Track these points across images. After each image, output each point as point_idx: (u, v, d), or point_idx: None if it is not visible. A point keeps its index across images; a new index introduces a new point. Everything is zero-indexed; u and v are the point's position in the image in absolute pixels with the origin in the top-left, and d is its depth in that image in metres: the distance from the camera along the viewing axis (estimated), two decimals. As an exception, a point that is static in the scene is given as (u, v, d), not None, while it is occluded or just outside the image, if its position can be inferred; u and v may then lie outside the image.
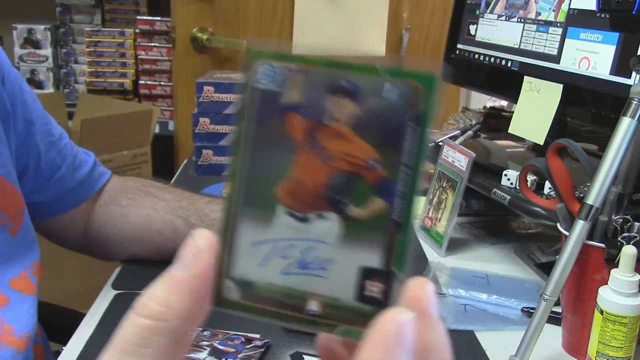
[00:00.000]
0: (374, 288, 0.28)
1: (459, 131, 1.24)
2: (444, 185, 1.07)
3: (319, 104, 0.28)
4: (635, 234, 0.69)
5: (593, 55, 0.89)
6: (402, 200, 0.27)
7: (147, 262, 0.93)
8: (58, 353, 0.76)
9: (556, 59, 0.96)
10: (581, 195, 0.74)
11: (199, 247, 0.28)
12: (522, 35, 1.04)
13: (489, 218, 1.20)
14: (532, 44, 1.02)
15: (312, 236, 0.28)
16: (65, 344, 0.76)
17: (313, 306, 0.28)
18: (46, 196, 0.89)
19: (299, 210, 0.28)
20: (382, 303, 0.28)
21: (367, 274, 0.28)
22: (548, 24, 0.99)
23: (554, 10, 0.98)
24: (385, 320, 0.26)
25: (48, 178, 0.88)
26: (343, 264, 0.28)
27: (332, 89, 0.28)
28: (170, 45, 2.59)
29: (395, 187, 0.27)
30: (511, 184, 0.97)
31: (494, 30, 1.12)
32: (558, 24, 0.96)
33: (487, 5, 1.15)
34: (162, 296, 0.27)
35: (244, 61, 0.28)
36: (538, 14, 1.01)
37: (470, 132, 1.23)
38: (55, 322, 1.01)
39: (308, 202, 0.28)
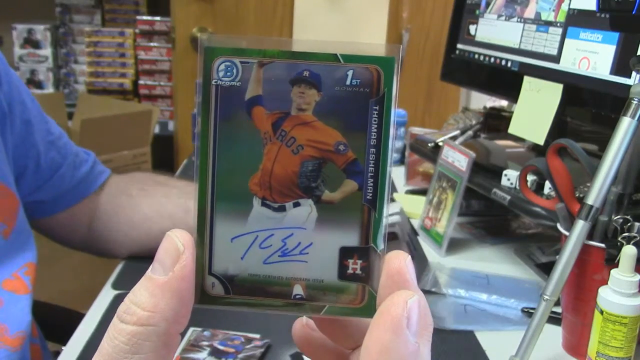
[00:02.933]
0: (355, 265, 0.29)
1: (459, 131, 1.24)
2: (444, 186, 1.07)
3: (283, 95, 0.29)
4: (635, 234, 0.69)
5: (593, 55, 0.89)
6: (372, 179, 0.29)
7: (147, 264, 0.93)
8: (58, 353, 0.76)
9: (556, 59, 0.96)
10: (581, 195, 0.74)
11: (177, 247, 0.28)
12: (522, 35, 1.04)
13: (489, 218, 1.20)
14: (532, 44, 1.02)
15: (290, 224, 0.29)
16: (65, 344, 0.76)
17: (298, 290, 0.29)
18: (47, 195, 0.89)
19: (274, 201, 0.29)
20: (365, 278, 0.29)
21: (347, 252, 0.29)
22: (548, 24, 0.99)
23: (553, 10, 0.98)
24: (393, 303, 0.27)
25: (48, 177, 0.88)
26: (323, 247, 0.29)
27: (294, 80, 0.29)
28: (170, 46, 2.59)
29: (365, 168, 0.29)
30: (511, 184, 0.97)
31: (494, 30, 1.12)
32: (558, 24, 0.96)
33: (487, 5, 1.15)
34: (147, 300, 0.27)
35: (203, 59, 0.28)
36: (538, 14, 1.01)
37: (470, 132, 1.23)
38: (55, 323, 1.01)
39: (282, 192, 0.29)
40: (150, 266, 0.28)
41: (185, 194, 0.94)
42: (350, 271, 0.29)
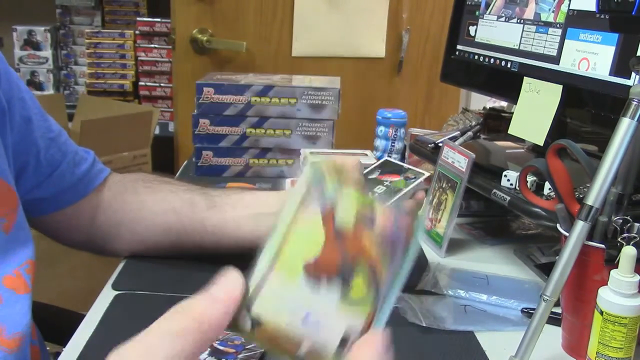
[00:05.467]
0: (354, 341, 0.37)
1: (458, 132, 1.24)
2: (443, 186, 1.07)
3: (354, 215, 0.38)
4: (635, 235, 0.69)
5: (592, 56, 0.89)
6: (382, 298, 0.38)
7: (147, 264, 0.93)
8: (58, 354, 0.76)
9: (556, 59, 0.96)
10: (581, 196, 0.74)
11: (237, 279, 0.35)
12: (521, 36, 1.04)
13: (489, 219, 1.20)
14: (532, 44, 1.02)
15: (318, 302, 0.36)
16: (64, 345, 0.76)
17: (303, 349, 0.36)
18: (47, 192, 0.89)
19: (315, 278, 0.36)
20: None
21: (352, 333, 0.37)
22: (547, 24, 0.99)
23: (553, 11, 0.98)
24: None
25: (49, 174, 0.88)
26: (335, 326, 0.36)
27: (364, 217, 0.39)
28: (170, 47, 2.59)
29: (381, 288, 0.38)
30: (511, 184, 0.97)
31: (494, 31, 1.12)
32: (557, 25, 0.96)
33: (487, 6, 1.15)
34: (202, 304, 0.34)
35: (310, 176, 0.38)
36: (537, 15, 1.01)
37: (470, 133, 1.23)
38: (55, 324, 1.01)
39: (324, 275, 0.37)
40: (209, 287, 0.35)
41: (192, 190, 0.93)
42: (348, 345, 0.36)
